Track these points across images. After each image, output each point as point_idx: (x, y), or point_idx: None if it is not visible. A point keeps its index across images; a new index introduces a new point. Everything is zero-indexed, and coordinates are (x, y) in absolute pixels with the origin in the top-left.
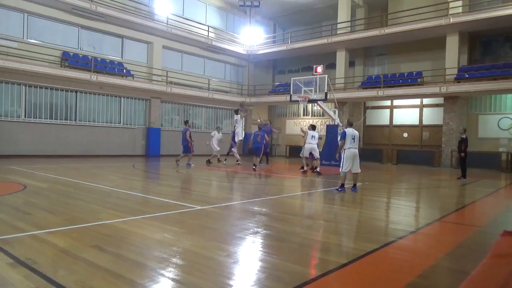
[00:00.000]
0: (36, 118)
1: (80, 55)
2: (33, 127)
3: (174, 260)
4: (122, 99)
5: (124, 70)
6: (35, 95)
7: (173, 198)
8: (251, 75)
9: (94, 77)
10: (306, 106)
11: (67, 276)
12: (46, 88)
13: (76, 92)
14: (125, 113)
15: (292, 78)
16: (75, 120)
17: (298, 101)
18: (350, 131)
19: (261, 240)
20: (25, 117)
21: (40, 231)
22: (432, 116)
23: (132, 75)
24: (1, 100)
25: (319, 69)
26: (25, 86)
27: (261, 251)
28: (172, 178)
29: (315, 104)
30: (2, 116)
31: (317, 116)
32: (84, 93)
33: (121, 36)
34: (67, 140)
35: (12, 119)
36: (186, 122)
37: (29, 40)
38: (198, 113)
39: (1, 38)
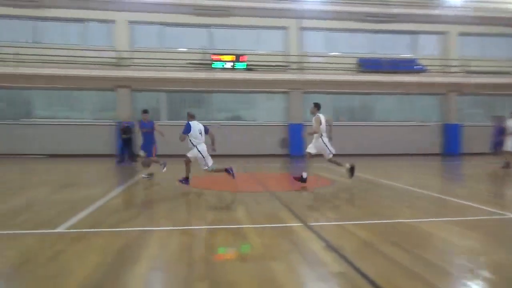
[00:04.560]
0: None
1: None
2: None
3: (482, 272)
4: (414, 96)
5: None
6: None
7: (474, 201)
8: None
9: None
10: None
11: (369, 266)
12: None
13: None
14: (418, 110)
15: None
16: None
17: None
18: (195, 124)
19: None
20: None
21: (345, 222)
22: None
23: (425, 70)
24: None
25: None
26: None
27: None
28: (476, 179)
29: None
30: None
31: None
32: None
33: (413, 32)
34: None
35: None
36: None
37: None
38: None
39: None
